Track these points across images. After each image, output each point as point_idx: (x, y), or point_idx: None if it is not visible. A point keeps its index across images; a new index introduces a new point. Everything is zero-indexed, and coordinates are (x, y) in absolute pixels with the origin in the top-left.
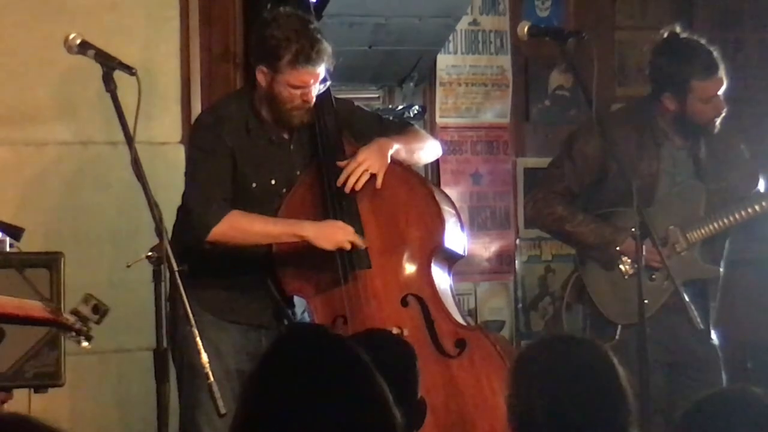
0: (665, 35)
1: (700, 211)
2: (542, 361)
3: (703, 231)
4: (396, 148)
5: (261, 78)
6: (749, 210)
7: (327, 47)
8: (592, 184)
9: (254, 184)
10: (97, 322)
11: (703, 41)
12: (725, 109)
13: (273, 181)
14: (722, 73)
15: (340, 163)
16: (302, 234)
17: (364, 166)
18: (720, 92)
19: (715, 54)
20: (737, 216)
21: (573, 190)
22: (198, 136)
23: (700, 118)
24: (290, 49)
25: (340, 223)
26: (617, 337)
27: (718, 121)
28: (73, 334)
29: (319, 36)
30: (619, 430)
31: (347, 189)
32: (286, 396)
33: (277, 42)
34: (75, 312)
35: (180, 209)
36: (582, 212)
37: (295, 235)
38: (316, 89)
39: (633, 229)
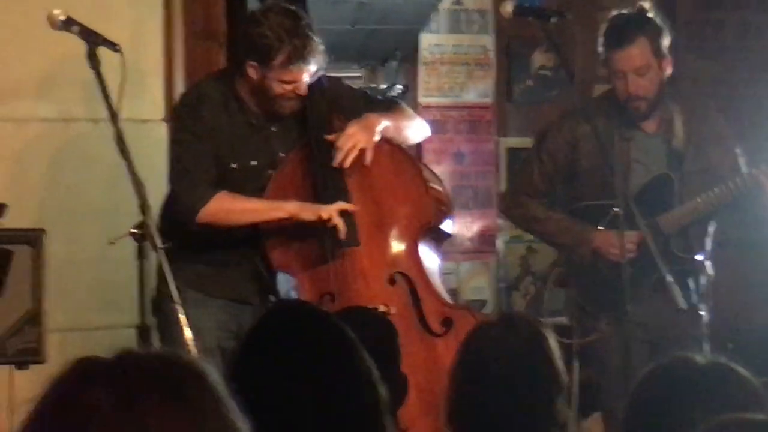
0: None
1: (673, 202)
2: (471, 351)
3: (676, 219)
4: (385, 125)
5: (251, 72)
6: (723, 189)
7: (319, 45)
8: (564, 181)
9: (234, 165)
10: None
11: (626, 12)
12: (643, 92)
13: (254, 162)
14: (638, 48)
15: (329, 137)
16: (286, 208)
17: (353, 140)
18: (635, 69)
19: (637, 27)
20: (712, 197)
21: (541, 189)
22: (180, 116)
23: (618, 95)
24: (283, 50)
25: (334, 206)
26: (601, 328)
27: (641, 105)
28: None
29: (310, 33)
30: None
31: (335, 163)
32: (272, 372)
33: (269, 42)
34: None
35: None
36: (552, 211)
37: (279, 209)
38: (307, 81)
39: (615, 210)
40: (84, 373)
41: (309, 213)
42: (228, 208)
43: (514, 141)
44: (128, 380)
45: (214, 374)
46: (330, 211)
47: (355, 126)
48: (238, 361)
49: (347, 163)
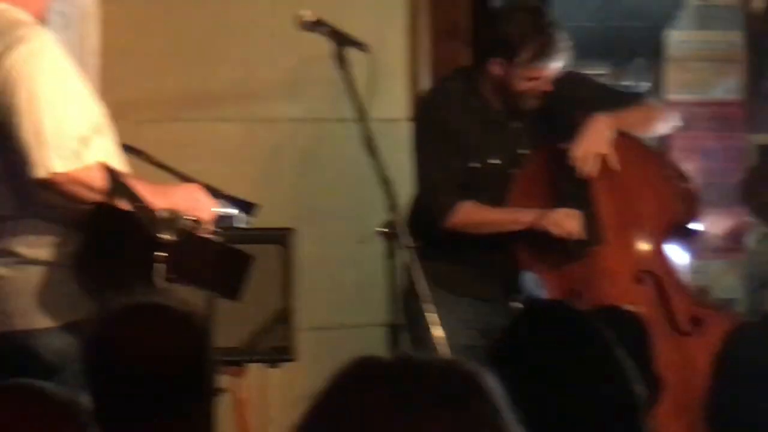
0: None
1: None
2: (730, 351)
3: None
4: (623, 122)
5: (495, 69)
6: None
7: (564, 41)
8: None
9: (474, 164)
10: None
11: None
12: None
13: (493, 161)
14: None
15: (567, 146)
16: (523, 220)
17: (590, 150)
18: None
19: None
20: None
21: None
22: (421, 119)
23: None
24: (529, 47)
25: (567, 211)
26: None
27: None
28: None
29: (555, 30)
30: None
31: (579, 174)
32: (529, 371)
33: (515, 39)
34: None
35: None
36: None
37: (517, 222)
38: (552, 77)
39: None
40: (366, 373)
41: (541, 227)
42: (469, 221)
43: (764, 137)
44: (409, 383)
45: (494, 384)
46: (559, 223)
47: (588, 135)
48: (494, 360)
49: (593, 174)
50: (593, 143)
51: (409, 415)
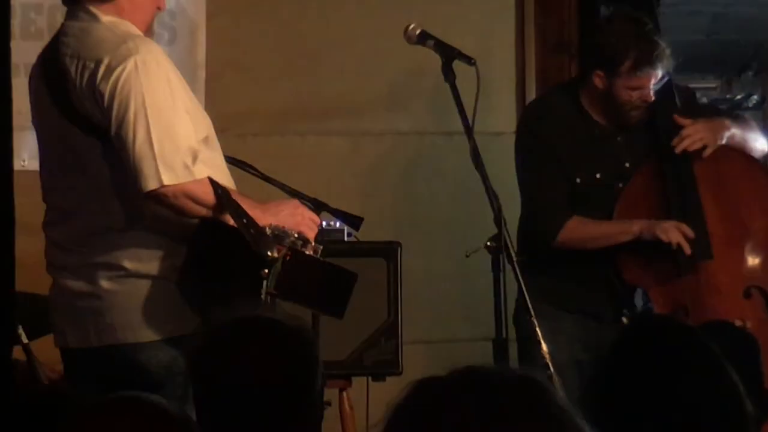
0: None
1: None
2: None
3: None
4: (733, 132)
5: (598, 82)
6: None
7: (665, 49)
8: None
9: (578, 179)
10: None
11: None
12: None
13: (598, 176)
14: None
15: (679, 120)
16: (632, 230)
17: (700, 134)
18: None
19: None
20: None
21: None
22: (522, 137)
23: None
24: (629, 56)
25: (676, 223)
26: None
27: None
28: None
29: (656, 39)
30: None
31: (678, 148)
32: (639, 386)
33: (616, 49)
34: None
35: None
36: None
37: (626, 233)
38: (654, 88)
39: None
40: (427, 395)
41: (649, 235)
42: (578, 237)
43: None
44: (487, 397)
45: (559, 390)
46: (668, 231)
47: (702, 122)
48: (602, 375)
49: (690, 148)
50: (707, 130)
51: (499, 427)
